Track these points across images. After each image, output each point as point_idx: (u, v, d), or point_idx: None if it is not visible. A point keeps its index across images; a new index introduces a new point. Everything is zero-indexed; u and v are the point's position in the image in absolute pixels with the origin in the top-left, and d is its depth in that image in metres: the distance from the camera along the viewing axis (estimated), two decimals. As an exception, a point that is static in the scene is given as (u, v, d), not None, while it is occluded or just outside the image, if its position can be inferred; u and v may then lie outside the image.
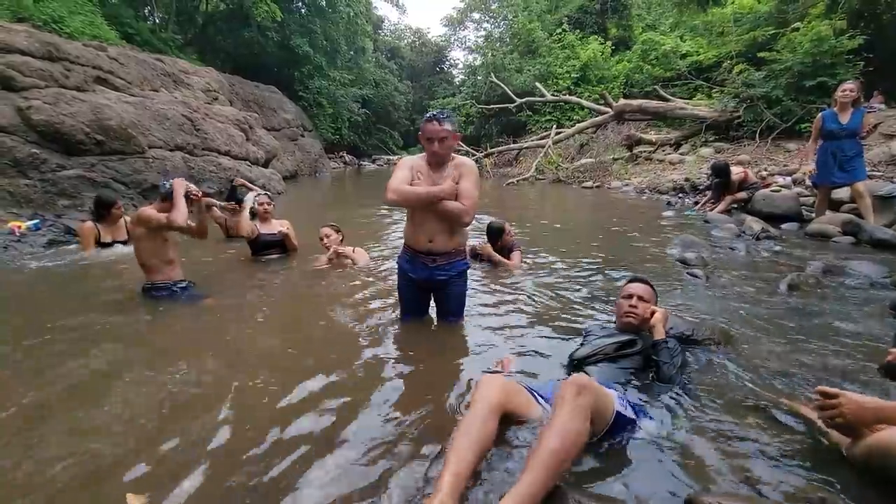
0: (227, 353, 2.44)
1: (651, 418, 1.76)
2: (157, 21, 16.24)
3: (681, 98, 13.08)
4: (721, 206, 6.57)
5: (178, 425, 1.74)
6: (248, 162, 10.06)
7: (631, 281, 2.37)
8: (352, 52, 24.55)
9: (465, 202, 2.38)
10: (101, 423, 1.76)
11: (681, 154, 11.21)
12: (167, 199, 3.14)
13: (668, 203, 8.06)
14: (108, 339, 2.57)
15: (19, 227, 4.97)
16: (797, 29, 9.35)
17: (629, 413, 1.66)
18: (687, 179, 9.05)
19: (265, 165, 11.22)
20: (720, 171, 6.71)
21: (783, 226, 5.65)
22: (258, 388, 2.03)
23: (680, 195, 8.63)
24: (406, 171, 2.45)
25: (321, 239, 4.12)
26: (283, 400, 1.93)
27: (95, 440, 1.65)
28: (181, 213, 3.08)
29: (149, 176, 6.87)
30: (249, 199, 4.65)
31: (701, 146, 10.78)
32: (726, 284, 3.57)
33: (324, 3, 20.01)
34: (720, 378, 2.12)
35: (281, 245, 4.46)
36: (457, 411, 1.85)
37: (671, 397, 1.91)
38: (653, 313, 2.16)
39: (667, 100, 12.69)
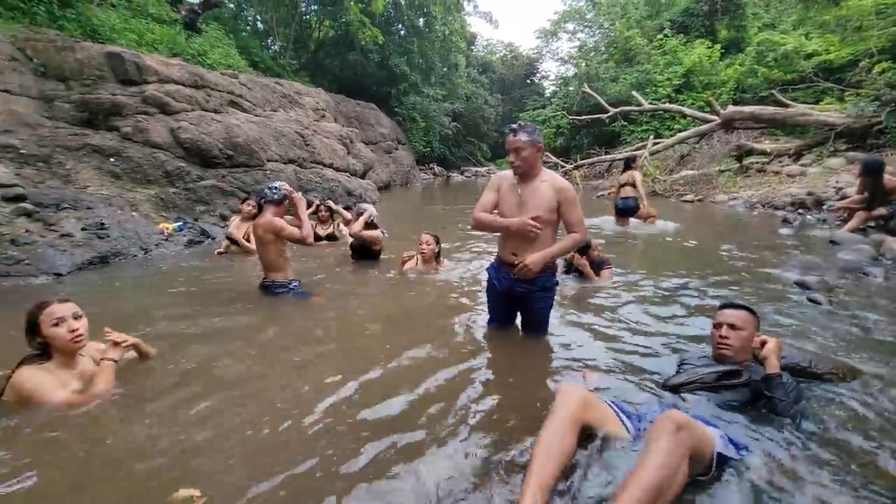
0: (333, 349, 2.70)
1: (756, 456, 1.62)
2: (278, 49, 18.29)
3: (804, 103, 11.68)
4: (852, 224, 5.73)
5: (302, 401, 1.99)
6: (348, 173, 10.88)
7: (723, 307, 2.15)
8: (445, 69, 25.42)
9: (577, 230, 2.51)
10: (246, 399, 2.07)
11: (802, 165, 9.99)
12: (280, 203, 3.54)
13: (785, 220, 7.22)
14: (243, 329, 2.99)
15: (167, 228, 5.90)
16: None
17: (731, 452, 1.56)
18: (809, 193, 8.05)
19: (362, 177, 12.04)
20: (872, 169, 5.67)
21: (937, 249, 4.79)
22: (357, 378, 2.25)
23: (800, 211, 7.69)
24: (492, 194, 2.57)
25: (420, 244, 4.29)
26: (363, 393, 2.11)
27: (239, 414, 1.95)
28: (309, 231, 3.50)
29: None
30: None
31: (829, 156, 9.52)
32: (856, 314, 3.14)
33: (421, 23, 21.06)
34: (842, 420, 1.89)
35: (374, 253, 4.79)
36: (531, 422, 1.87)
37: (783, 436, 1.74)
38: (763, 343, 1.96)
39: (786, 105, 11.39)
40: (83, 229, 4.89)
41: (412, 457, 1.65)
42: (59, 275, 4.25)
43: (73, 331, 1.99)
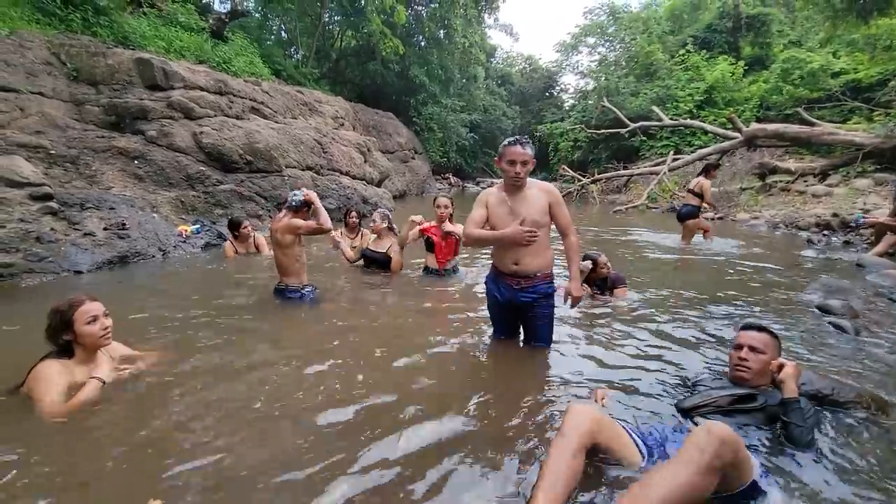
0: (340, 356, 2.69)
1: (771, 485, 1.55)
2: (300, 58, 18.67)
3: (830, 122, 11.42)
4: (880, 247, 5.54)
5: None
6: (364, 181, 10.98)
7: (744, 328, 2.09)
8: (464, 80, 25.59)
9: (570, 231, 2.59)
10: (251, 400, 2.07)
11: (828, 185, 9.75)
12: (300, 210, 3.57)
13: (809, 241, 7.03)
14: (256, 333, 3.01)
15: (185, 230, 6.01)
16: None
17: (764, 485, 1.49)
18: (835, 215, 7.83)
19: (378, 185, 12.14)
20: None
21: (971, 277, 4.59)
22: (358, 385, 2.23)
23: (825, 233, 7.48)
24: (480, 210, 2.54)
25: (437, 207, 4.38)
26: (365, 402, 2.09)
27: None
28: (327, 218, 3.51)
29: (283, 191, 7.87)
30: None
31: (856, 177, 9.28)
32: (883, 342, 3.01)
33: (442, 35, 21.29)
34: (865, 452, 1.80)
35: (385, 263, 4.67)
36: (535, 438, 1.83)
37: (799, 465, 1.67)
38: (780, 367, 1.88)
39: (812, 124, 11.16)
40: (105, 229, 5.00)
41: (415, 470, 1.62)
42: (80, 272, 4.35)
43: (105, 328, 2.06)
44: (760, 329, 2.05)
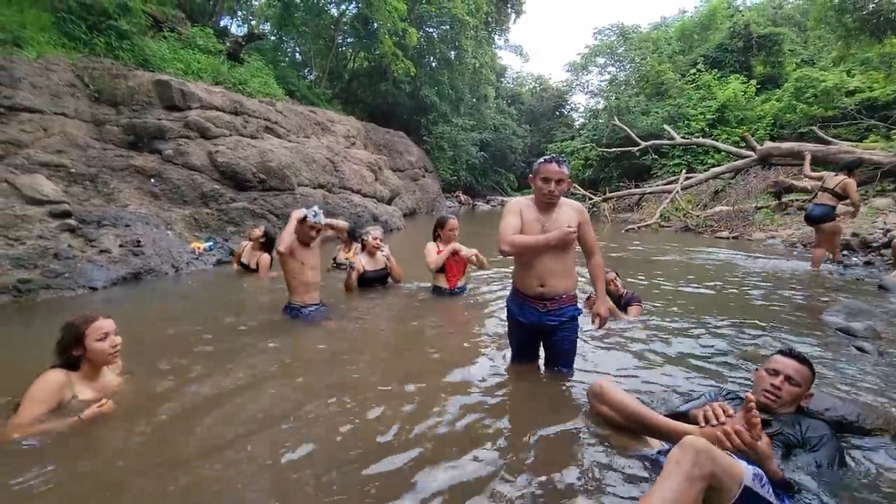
0: (338, 378, 2.65)
1: None
2: (313, 79, 19.11)
3: (846, 140, 11.28)
4: (903, 269, 5.38)
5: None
6: (374, 199, 11.06)
7: (784, 354, 1.94)
8: (474, 100, 25.90)
9: (596, 251, 2.58)
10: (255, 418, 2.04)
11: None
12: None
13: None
14: (255, 351, 2.99)
15: (198, 247, 6.08)
16: None
17: (764, 492, 1.40)
18: (854, 234, 7.66)
19: (389, 203, 12.21)
20: None
21: None
22: (361, 409, 2.18)
23: (845, 252, 7.30)
24: (515, 218, 2.46)
25: (451, 228, 4.43)
26: (378, 424, 2.04)
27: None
28: (282, 239, 3.48)
29: (295, 209, 7.94)
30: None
31: (875, 196, 9.09)
32: (910, 366, 2.89)
33: (452, 56, 21.66)
34: (889, 481, 1.72)
35: (384, 279, 4.75)
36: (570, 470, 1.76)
37: (819, 492, 1.59)
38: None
39: (827, 142, 11.02)
40: (120, 246, 5.08)
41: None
42: (95, 289, 4.40)
43: (115, 346, 2.09)
44: (802, 360, 1.90)
